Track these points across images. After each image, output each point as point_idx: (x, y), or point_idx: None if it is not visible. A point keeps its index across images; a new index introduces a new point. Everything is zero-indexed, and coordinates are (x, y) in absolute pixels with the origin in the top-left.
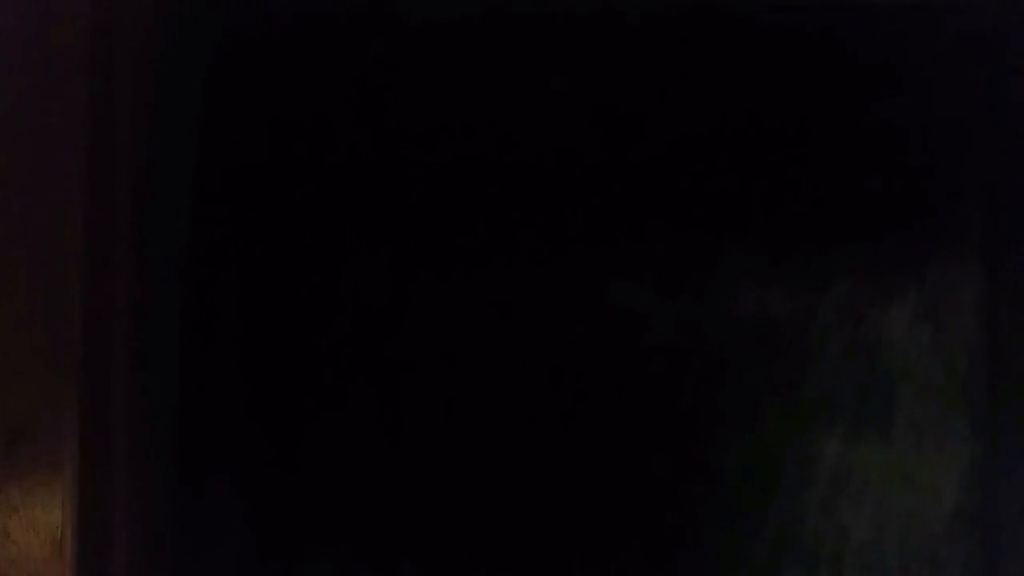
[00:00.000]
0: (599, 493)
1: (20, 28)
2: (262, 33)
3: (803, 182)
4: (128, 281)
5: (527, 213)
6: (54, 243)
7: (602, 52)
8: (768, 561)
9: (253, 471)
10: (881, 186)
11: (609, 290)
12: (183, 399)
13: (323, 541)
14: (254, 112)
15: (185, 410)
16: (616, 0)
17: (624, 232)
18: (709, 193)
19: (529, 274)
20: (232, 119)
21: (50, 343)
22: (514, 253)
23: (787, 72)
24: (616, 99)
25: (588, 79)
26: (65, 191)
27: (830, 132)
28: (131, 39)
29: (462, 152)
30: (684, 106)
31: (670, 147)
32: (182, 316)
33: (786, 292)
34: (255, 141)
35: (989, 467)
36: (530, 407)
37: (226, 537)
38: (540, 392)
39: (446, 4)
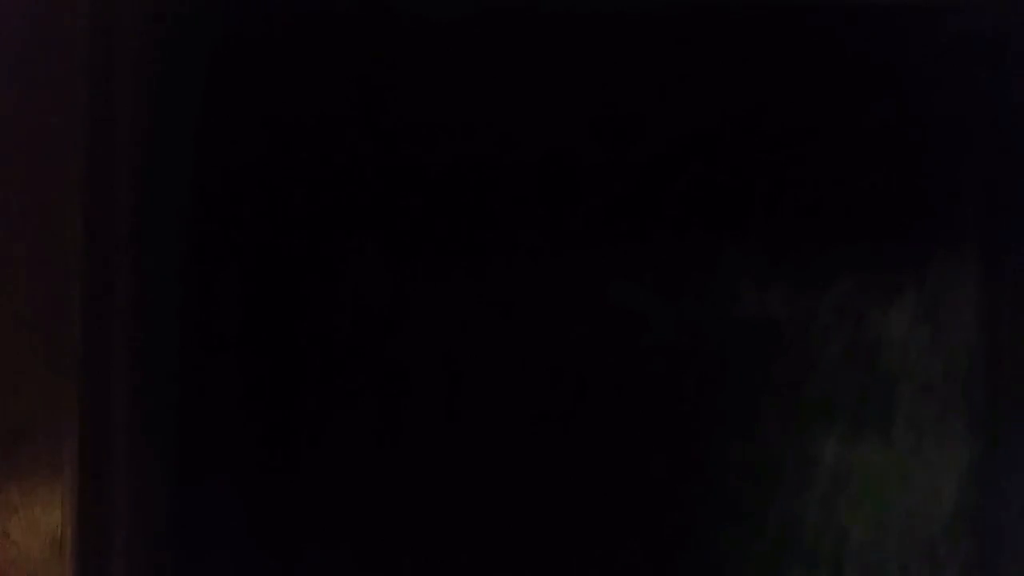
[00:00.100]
0: (599, 493)
1: (20, 28)
2: (262, 33)
3: (803, 182)
4: (128, 281)
5: (527, 213)
6: (54, 243)
7: (602, 52)
8: (768, 561)
9: (253, 471)
10: (881, 186)
11: (609, 290)
12: (183, 399)
13: (323, 541)
14: (254, 112)
15: (185, 410)
16: (616, 0)
17: (624, 232)
18: (709, 193)
19: (529, 274)
20: (232, 119)
21: (50, 343)
22: (514, 253)
23: (787, 72)
24: (616, 99)
25: (588, 79)
26: (65, 191)
27: (830, 132)
28: (131, 39)
29: (462, 152)
30: (684, 106)
31: (670, 147)
32: (182, 316)
33: (786, 292)
34: (255, 141)
35: (989, 467)
36: (530, 407)
37: (226, 537)
38: (540, 392)
39: (446, 4)
